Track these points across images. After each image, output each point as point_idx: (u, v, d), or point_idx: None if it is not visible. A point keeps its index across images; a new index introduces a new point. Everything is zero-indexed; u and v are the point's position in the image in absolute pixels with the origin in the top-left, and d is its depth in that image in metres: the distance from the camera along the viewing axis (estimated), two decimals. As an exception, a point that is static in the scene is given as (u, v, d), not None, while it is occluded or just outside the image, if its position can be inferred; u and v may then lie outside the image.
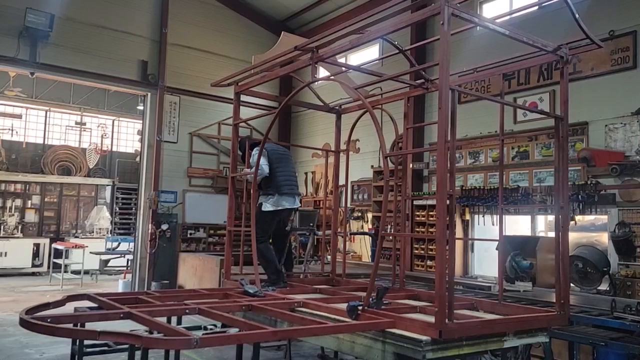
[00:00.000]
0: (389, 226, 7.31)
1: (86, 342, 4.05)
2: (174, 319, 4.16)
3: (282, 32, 6.13)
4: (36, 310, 3.57)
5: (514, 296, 5.75)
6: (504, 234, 4.44)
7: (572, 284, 6.50)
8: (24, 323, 3.22)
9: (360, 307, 3.70)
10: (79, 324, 3.58)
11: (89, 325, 3.63)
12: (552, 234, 5.98)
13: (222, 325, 3.59)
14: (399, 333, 3.45)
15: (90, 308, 3.83)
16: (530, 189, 7.39)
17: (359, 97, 4.68)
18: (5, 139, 15.82)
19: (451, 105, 3.63)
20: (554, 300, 4.30)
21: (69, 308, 3.96)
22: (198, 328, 3.91)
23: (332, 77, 5.54)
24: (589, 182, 6.66)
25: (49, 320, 3.27)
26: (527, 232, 7.82)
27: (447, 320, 3.31)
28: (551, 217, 6.91)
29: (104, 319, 3.45)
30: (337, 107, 6.33)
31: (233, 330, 3.26)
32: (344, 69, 6.39)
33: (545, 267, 6.83)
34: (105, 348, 4.22)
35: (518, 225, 8.17)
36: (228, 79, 5.60)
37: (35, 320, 3.29)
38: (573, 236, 7.13)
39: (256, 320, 3.75)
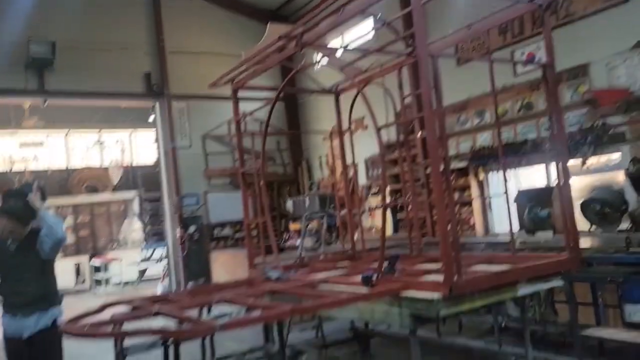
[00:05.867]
0: (407, 196, 7.42)
1: (127, 343, 4.30)
2: (204, 311, 4.37)
3: (269, 23, 6.24)
4: (77, 320, 3.83)
5: (535, 247, 5.75)
6: (516, 187, 4.49)
7: (593, 227, 6.51)
8: (66, 332, 3.49)
9: (374, 277, 3.86)
10: (115, 327, 3.82)
11: (126, 327, 3.86)
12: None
13: (246, 310, 3.79)
14: (412, 295, 3.60)
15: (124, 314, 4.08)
16: (539, 139, 7.37)
17: (348, 76, 4.79)
18: (32, 169, 16.36)
19: (433, 72, 3.72)
20: (572, 245, 4.35)
21: (106, 315, 4.21)
22: (225, 316, 4.12)
23: (324, 61, 5.64)
24: (596, 124, 6.63)
25: (87, 327, 3.54)
26: (543, 183, 7.80)
27: (456, 277, 3.45)
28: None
29: (137, 319, 3.69)
30: (334, 89, 6.43)
31: (255, 313, 3.46)
32: (336, 50, 6.49)
33: (564, 214, 6.83)
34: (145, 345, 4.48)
35: (534, 177, 8.14)
36: (223, 78, 5.76)
37: (76, 329, 3.57)
38: (588, 180, 7.12)
39: (283, 301, 3.94)
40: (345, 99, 6.20)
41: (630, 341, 4.50)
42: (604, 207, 6.29)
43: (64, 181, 16.77)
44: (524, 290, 3.87)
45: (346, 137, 6.42)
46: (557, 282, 4.14)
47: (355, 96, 5.82)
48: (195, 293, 4.51)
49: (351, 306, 3.95)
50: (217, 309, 4.33)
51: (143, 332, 3.11)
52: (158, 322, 3.69)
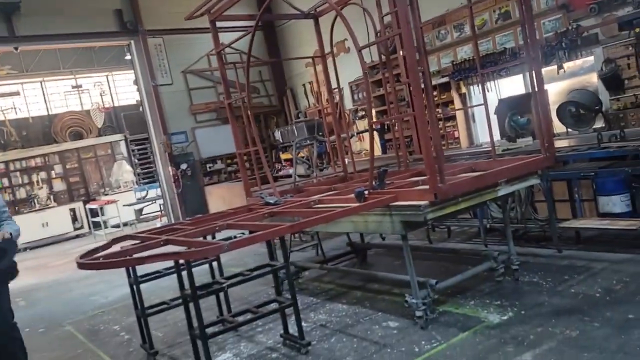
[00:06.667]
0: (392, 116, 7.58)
1: (140, 272, 4.61)
2: (209, 238, 4.65)
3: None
4: (88, 255, 4.07)
5: (516, 153, 6.00)
6: (497, 97, 4.67)
7: (569, 129, 6.81)
8: (80, 266, 3.72)
9: (366, 192, 4.13)
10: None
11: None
12: (545, 87, 6.16)
13: (249, 232, 4.07)
14: (401, 204, 3.90)
15: (134, 245, 4.33)
16: (517, 48, 7.48)
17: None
18: (12, 118, 16.16)
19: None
20: (546, 145, 4.62)
21: (115, 249, 4.46)
22: (229, 239, 4.40)
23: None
24: (570, 28, 6.74)
25: (100, 259, 3.80)
26: (522, 90, 7.98)
27: (439, 184, 3.73)
28: (543, 71, 7.06)
29: (147, 249, 3.93)
30: (312, 12, 6.40)
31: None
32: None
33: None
34: (157, 274, 4.81)
35: (514, 86, 8.29)
36: (199, 9, 5.70)
37: (90, 261, 3.83)
38: (564, 84, 7.33)
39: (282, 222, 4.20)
40: (325, 23, 6.19)
41: (603, 228, 4.92)
42: (579, 109, 6.57)
43: (47, 129, 16.63)
44: (503, 190, 4.18)
45: (329, 61, 6.46)
46: (534, 180, 4.46)
47: (335, 18, 5.82)
48: (199, 222, 4.77)
49: (346, 220, 4.25)
50: (220, 235, 4.62)
51: (156, 258, 3.36)
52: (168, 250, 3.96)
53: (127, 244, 4.42)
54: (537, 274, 4.65)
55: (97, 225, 14.09)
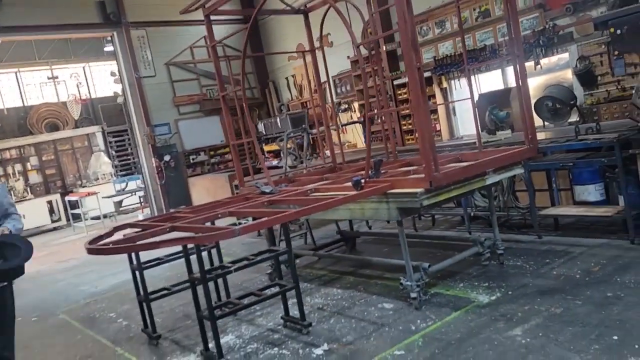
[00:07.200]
0: (376, 109, 7.82)
1: (142, 259, 4.73)
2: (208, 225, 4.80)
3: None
4: (94, 242, 4.20)
5: (497, 145, 6.33)
6: (477, 92, 4.94)
7: (546, 122, 7.18)
8: (92, 251, 3.85)
9: (362, 180, 4.36)
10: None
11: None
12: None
13: (252, 219, 4.25)
14: (398, 192, 4.14)
15: (139, 232, 4.45)
16: (496, 45, 7.81)
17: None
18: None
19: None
20: (530, 137, 4.92)
21: (118, 237, 4.58)
22: (234, 225, 4.57)
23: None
24: (547, 26, 7.08)
25: (110, 244, 3.94)
26: (500, 86, 8.33)
27: (434, 173, 3.98)
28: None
29: (154, 236, 4.07)
30: (302, 8, 6.58)
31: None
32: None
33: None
34: (159, 261, 4.94)
35: (492, 81, 8.64)
36: (195, 4, 5.82)
37: (99, 247, 3.96)
38: (541, 80, 7.69)
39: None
40: (310, 18, 6.39)
41: (580, 215, 5.27)
42: (555, 103, 6.93)
43: (22, 120, 16.34)
44: (491, 179, 4.46)
45: (318, 56, 6.63)
46: (518, 170, 4.77)
47: (326, 12, 6.02)
48: (198, 210, 4.90)
49: (344, 207, 4.47)
50: (216, 223, 4.77)
51: (170, 242, 3.52)
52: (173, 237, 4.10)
53: (129, 231, 4.56)
54: (521, 258, 4.97)
55: (75, 218, 13.96)
